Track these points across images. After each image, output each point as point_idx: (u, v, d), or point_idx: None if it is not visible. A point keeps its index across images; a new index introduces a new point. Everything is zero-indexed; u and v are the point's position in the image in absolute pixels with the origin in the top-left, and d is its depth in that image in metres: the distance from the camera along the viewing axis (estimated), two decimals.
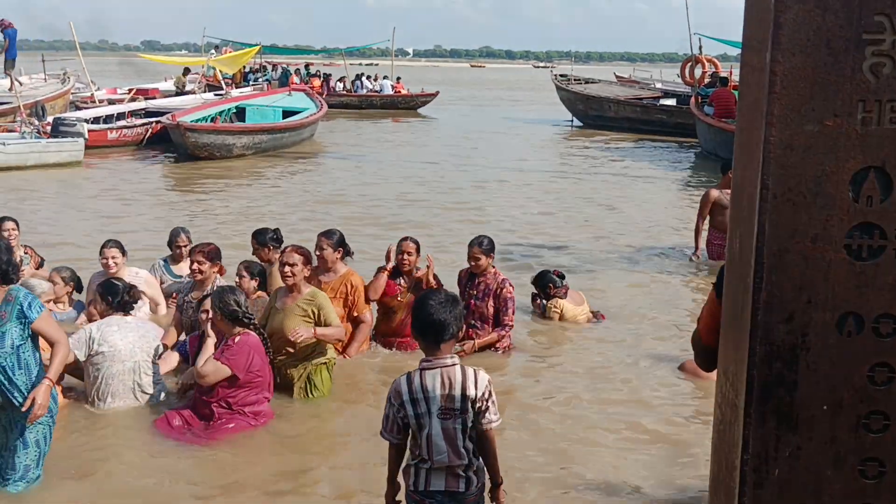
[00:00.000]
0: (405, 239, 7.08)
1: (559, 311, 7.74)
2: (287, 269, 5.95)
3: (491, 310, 6.92)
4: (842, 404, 2.42)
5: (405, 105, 36.33)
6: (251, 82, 34.06)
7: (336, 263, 6.75)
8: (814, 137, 2.32)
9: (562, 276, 7.97)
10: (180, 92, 29.16)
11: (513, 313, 6.97)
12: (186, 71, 31.46)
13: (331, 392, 6.11)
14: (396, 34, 43.38)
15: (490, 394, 3.53)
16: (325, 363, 6.09)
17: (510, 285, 7.03)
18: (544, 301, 7.87)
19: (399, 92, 37.49)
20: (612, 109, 29.07)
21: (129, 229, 11.02)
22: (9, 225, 7.96)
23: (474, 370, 3.55)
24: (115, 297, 5.90)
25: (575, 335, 7.60)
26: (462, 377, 3.50)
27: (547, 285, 7.88)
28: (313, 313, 5.92)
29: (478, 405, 3.50)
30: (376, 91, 37.67)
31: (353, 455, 5.30)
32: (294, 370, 6.02)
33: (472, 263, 6.97)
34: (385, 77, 39.38)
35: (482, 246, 6.92)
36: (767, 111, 2.33)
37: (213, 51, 38.04)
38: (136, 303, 6.08)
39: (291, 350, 5.94)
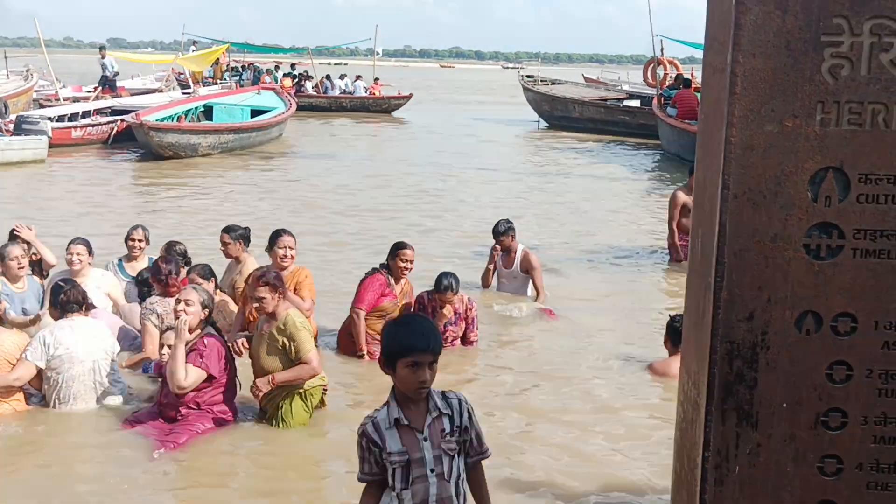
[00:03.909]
0: (406, 247, 6.98)
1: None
2: (256, 304, 5.65)
3: (460, 331, 7.16)
4: (801, 402, 2.45)
5: (377, 108, 35.22)
6: (228, 80, 33.46)
7: (292, 260, 6.89)
8: (774, 138, 2.35)
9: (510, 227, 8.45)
10: (107, 82, 27.49)
11: (477, 329, 7.26)
12: (102, 48, 29.46)
13: (310, 419, 5.66)
14: (367, 34, 42.97)
15: None
16: (301, 392, 5.62)
17: (473, 303, 7.26)
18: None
19: (373, 93, 36.64)
20: (576, 110, 29.22)
21: (91, 229, 10.86)
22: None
23: None
24: (55, 297, 5.83)
25: (541, 335, 7.62)
26: None
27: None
28: (284, 344, 5.55)
29: None
30: (348, 93, 36.87)
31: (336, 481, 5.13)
32: (269, 402, 5.63)
33: (447, 305, 6.93)
34: (359, 77, 38.54)
35: (453, 289, 6.88)
36: (728, 112, 2.35)
37: (192, 47, 37.45)
38: (78, 306, 5.82)
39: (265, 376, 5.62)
